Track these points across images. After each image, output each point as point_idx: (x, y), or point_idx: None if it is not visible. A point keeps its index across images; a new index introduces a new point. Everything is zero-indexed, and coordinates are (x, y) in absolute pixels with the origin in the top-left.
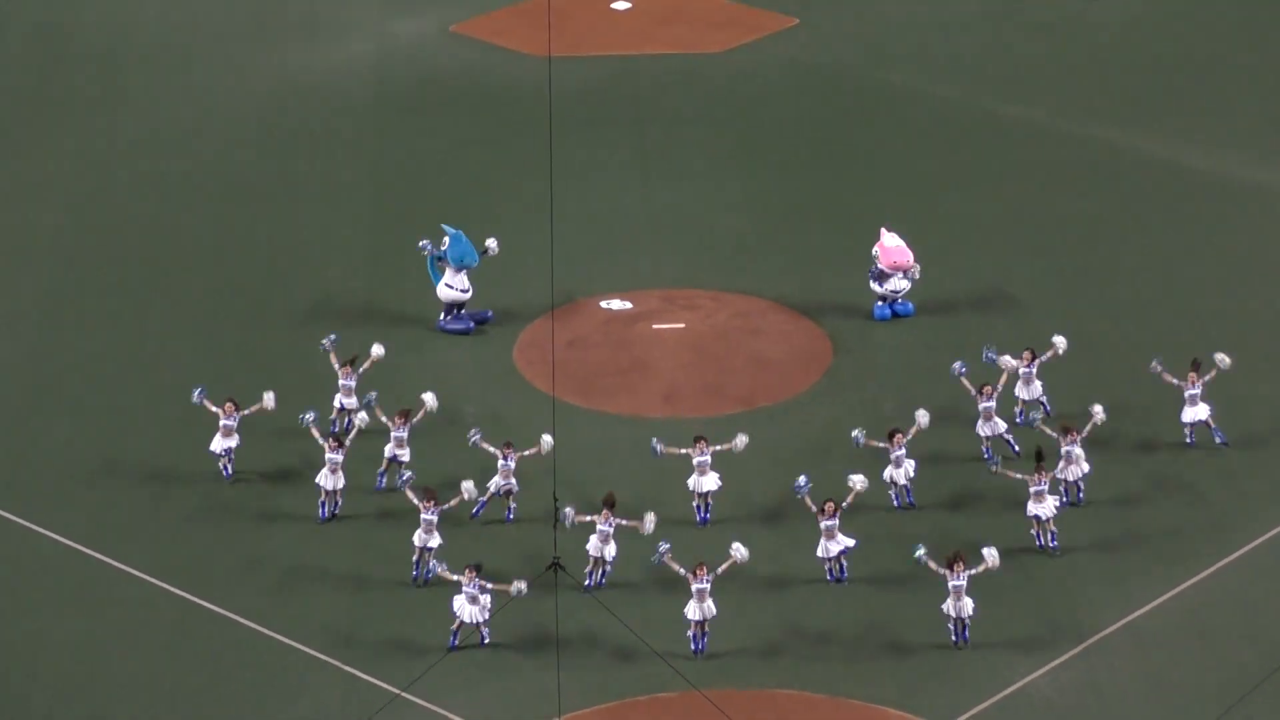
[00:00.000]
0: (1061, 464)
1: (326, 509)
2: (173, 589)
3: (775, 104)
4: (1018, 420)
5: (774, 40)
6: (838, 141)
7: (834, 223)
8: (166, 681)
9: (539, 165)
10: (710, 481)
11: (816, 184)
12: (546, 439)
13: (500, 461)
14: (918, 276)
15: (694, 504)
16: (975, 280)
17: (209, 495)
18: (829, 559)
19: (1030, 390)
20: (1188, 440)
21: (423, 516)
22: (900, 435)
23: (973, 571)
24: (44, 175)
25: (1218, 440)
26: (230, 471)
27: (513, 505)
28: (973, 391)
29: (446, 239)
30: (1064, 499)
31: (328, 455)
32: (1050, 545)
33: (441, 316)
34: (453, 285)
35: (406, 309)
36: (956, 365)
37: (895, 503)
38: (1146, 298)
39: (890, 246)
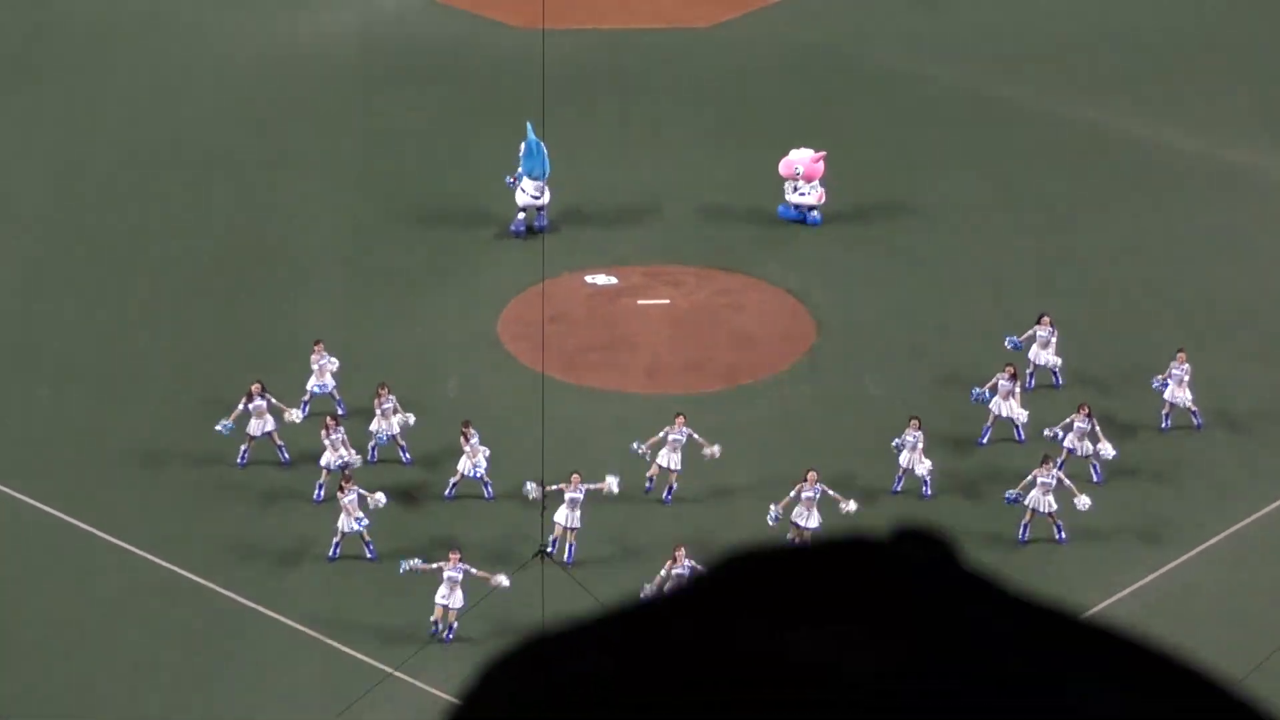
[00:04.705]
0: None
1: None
2: (157, 560)
3: (761, 80)
4: (1027, 386)
5: (760, 16)
6: (823, 119)
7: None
8: (149, 654)
9: (523, 138)
10: (675, 460)
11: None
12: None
13: (464, 444)
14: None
15: (649, 475)
16: (958, 260)
17: (195, 466)
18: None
19: (1046, 355)
20: (1162, 426)
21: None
22: (917, 422)
23: None
24: (26, 142)
25: (1196, 423)
26: (287, 457)
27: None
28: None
29: (522, 146)
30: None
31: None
32: (1058, 537)
33: (517, 218)
34: (525, 190)
35: (387, 282)
36: (976, 392)
37: (895, 488)
38: (1129, 279)
39: (793, 158)
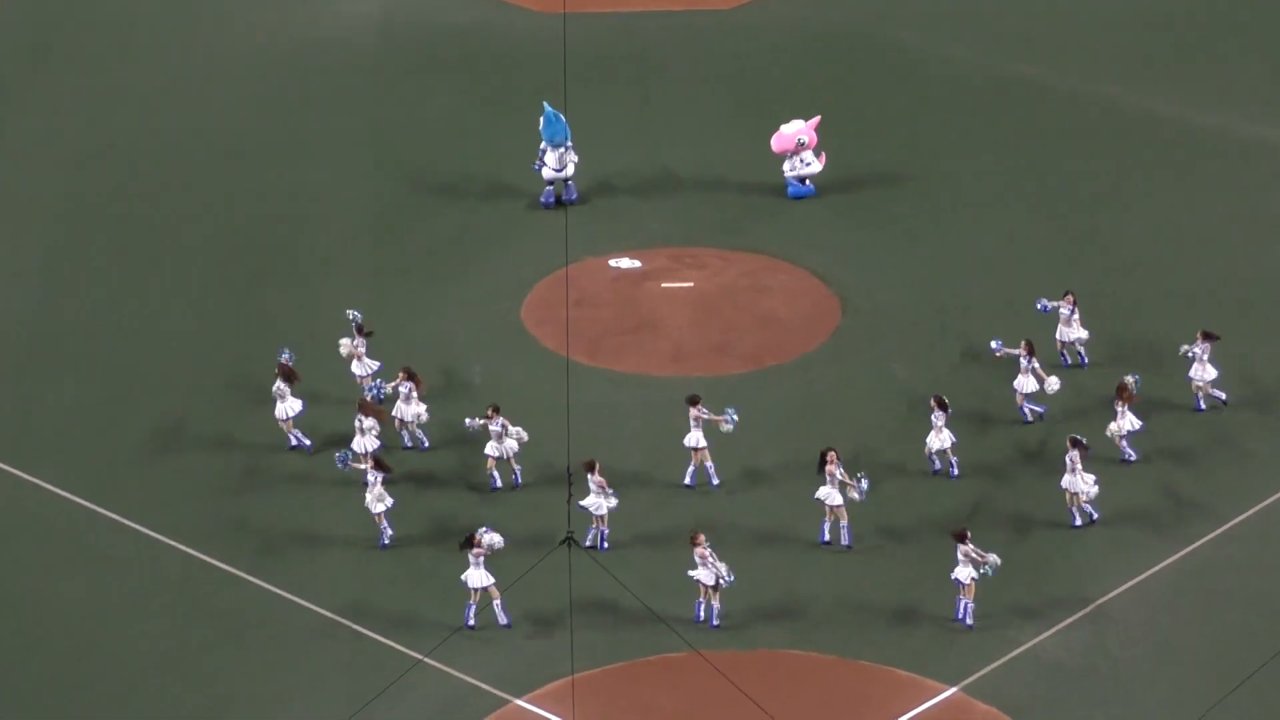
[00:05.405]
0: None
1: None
2: (182, 547)
3: (783, 61)
4: (1064, 363)
5: None
6: (846, 100)
7: (842, 182)
8: (175, 641)
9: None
10: (698, 438)
11: (824, 143)
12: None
13: (490, 427)
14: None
15: (695, 465)
16: (982, 240)
17: (220, 454)
18: (832, 506)
19: (1071, 332)
20: (1198, 407)
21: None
22: (943, 401)
23: (971, 552)
24: (49, 131)
25: (1220, 400)
26: (307, 443)
27: (517, 468)
28: (1018, 353)
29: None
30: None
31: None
32: (1091, 519)
33: (546, 190)
34: (549, 164)
35: (411, 269)
36: (995, 344)
37: (934, 468)
38: (1152, 256)
39: (789, 131)
